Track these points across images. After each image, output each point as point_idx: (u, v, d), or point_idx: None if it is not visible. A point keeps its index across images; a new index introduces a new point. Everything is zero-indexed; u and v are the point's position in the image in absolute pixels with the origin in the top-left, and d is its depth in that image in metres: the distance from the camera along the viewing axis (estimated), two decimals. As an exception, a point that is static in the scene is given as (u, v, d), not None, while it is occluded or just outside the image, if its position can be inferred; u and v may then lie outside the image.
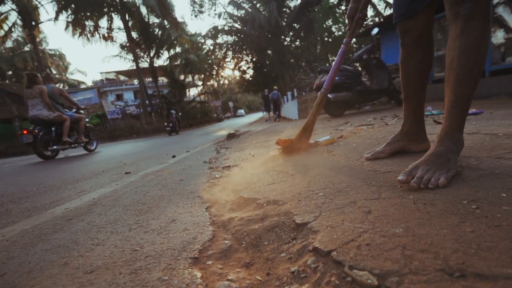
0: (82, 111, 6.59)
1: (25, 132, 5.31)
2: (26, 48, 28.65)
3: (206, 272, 0.75)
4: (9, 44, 25.44)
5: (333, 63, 1.99)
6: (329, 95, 6.39)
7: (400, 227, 0.75)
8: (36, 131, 5.30)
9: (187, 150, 4.78)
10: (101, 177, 2.80)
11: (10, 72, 29.86)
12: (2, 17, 15.19)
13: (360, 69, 7.37)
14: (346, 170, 1.44)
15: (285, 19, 23.80)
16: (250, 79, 30.79)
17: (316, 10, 17.05)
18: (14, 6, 14.96)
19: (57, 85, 6.19)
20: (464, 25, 1.02)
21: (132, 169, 3.13)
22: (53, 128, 5.73)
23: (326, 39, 18.67)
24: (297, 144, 2.26)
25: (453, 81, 1.08)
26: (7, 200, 2.02)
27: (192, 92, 38.51)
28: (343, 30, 17.53)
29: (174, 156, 3.99)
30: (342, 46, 1.88)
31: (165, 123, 13.02)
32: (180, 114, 16.17)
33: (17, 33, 19.87)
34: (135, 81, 35.52)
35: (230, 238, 0.96)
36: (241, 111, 58.76)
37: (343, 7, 19.69)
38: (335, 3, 18.44)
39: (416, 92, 1.43)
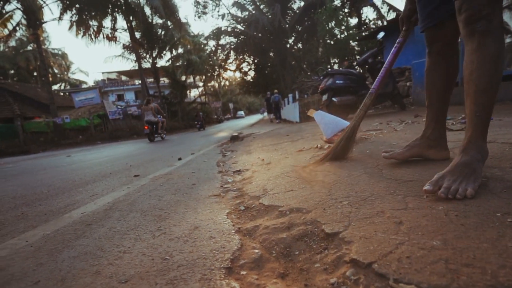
0: (161, 117, 10.77)
1: (146, 127, 10.04)
2: (29, 47, 28.69)
3: (243, 283, 0.75)
4: (12, 43, 25.48)
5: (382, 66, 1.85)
6: (333, 99, 6.41)
7: (437, 240, 0.75)
8: (150, 127, 10.06)
9: (192, 153, 4.77)
10: (110, 179, 2.79)
11: (12, 71, 29.89)
12: (6, 16, 15.19)
13: (361, 71, 7.37)
14: (366, 178, 1.43)
15: (288, 21, 23.85)
16: (251, 80, 30.82)
17: (319, 11, 17.07)
18: (19, 5, 14.97)
19: (155, 104, 11.02)
20: (481, 40, 1.05)
21: (139, 171, 3.12)
22: (154, 126, 10.35)
23: (328, 41, 18.68)
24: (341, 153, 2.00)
25: (473, 91, 1.10)
26: (21, 203, 2.02)
27: (193, 93, 38.54)
28: (345, 33, 17.55)
29: (180, 159, 3.98)
30: (396, 45, 1.75)
31: (195, 122, 18.34)
32: (205, 114, 21.38)
33: (20, 32, 19.85)
34: (137, 82, 35.54)
35: (259, 247, 0.95)
36: (241, 112, 58.76)
37: (346, 10, 19.77)
38: (339, 5, 18.50)
39: (439, 100, 1.44)
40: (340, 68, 16.13)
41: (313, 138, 3.80)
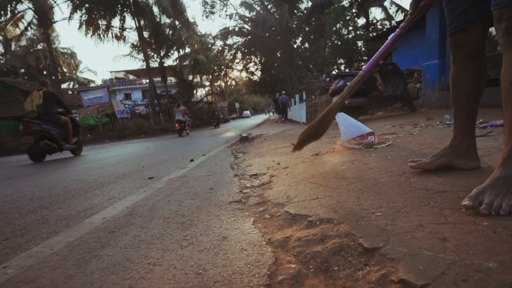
0: (187, 117, 13.04)
1: (177, 125, 12.31)
2: (39, 46, 29.02)
3: (286, 303, 0.71)
4: (23, 42, 25.80)
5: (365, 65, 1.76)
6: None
7: (492, 261, 0.71)
8: (180, 125, 12.33)
9: (203, 154, 4.75)
10: (125, 181, 2.78)
11: (22, 70, 30.27)
12: (18, 15, 15.43)
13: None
14: (394, 187, 1.39)
15: (295, 22, 23.78)
16: (258, 80, 30.81)
17: (328, 11, 17.00)
18: (30, 5, 15.19)
19: (183, 107, 13.37)
20: None
21: (153, 173, 3.11)
22: (183, 124, 12.55)
23: (335, 41, 18.58)
24: (316, 130, 1.69)
25: None
26: (39, 205, 2.01)
27: (199, 92, 38.70)
28: (352, 33, 17.45)
29: (192, 160, 3.96)
30: (397, 30, 1.62)
31: (212, 120, 20.81)
32: (218, 113, 23.88)
33: (31, 32, 20.12)
34: (144, 81, 35.80)
35: (294, 261, 0.92)
36: (247, 112, 58.86)
37: (354, 10, 19.63)
38: (347, 5, 18.38)
39: (467, 109, 1.39)
40: (347, 70, 16.03)
41: (326, 141, 3.75)
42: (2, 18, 14.65)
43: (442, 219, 0.98)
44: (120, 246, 1.14)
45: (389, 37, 1.65)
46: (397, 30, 1.62)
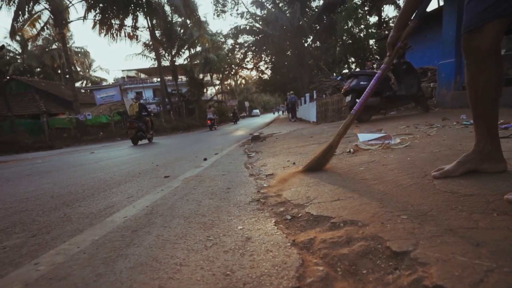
0: (216, 116, 16.12)
1: (209, 122, 16.82)
2: (54, 46, 29.66)
3: (318, 306, 0.71)
4: (39, 42, 26.40)
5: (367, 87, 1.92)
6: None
7: (533, 270, 0.69)
8: (211, 121, 16.84)
9: (216, 153, 4.78)
10: (141, 180, 2.81)
11: (38, 69, 30.99)
12: (35, 16, 15.82)
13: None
14: (417, 190, 1.36)
15: (306, 20, 23.62)
16: (268, 79, 30.74)
17: (339, 10, 16.83)
18: (47, 6, 15.54)
19: (213, 108, 18.03)
20: None
21: (168, 172, 3.14)
22: (213, 121, 16.58)
23: (346, 40, 18.38)
24: (321, 162, 2.12)
25: None
26: (60, 203, 2.05)
27: (210, 91, 38.95)
28: (364, 32, 17.24)
29: (205, 159, 3.98)
30: (378, 71, 1.84)
31: (232, 118, 24.69)
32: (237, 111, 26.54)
33: (47, 32, 20.56)
34: (155, 79, 36.20)
35: (321, 263, 0.91)
36: (256, 111, 58.88)
37: (366, 8, 19.37)
38: (359, 3, 18.17)
39: (486, 111, 1.35)
40: (358, 69, 15.89)
41: (341, 141, 3.71)
42: (20, 18, 15.03)
43: (472, 224, 0.96)
44: (144, 246, 1.15)
45: (374, 78, 1.83)
46: (379, 71, 1.82)
